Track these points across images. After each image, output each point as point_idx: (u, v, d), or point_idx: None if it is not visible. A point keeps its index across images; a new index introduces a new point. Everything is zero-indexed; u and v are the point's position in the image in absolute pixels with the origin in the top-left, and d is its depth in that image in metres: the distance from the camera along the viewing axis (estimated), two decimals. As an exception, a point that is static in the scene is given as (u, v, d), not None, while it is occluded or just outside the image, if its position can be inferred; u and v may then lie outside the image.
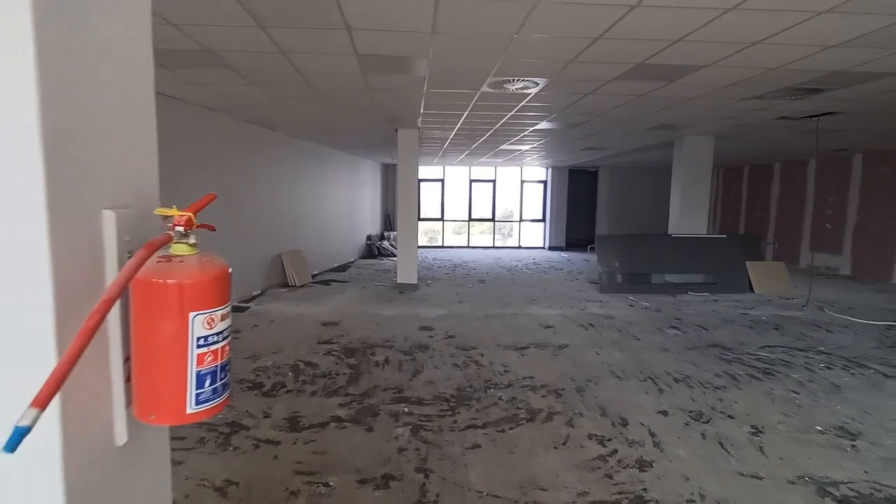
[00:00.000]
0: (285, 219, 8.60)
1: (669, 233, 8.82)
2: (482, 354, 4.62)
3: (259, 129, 7.54)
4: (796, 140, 8.52)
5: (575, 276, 9.97)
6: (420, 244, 16.16)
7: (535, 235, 16.57)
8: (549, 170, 15.84)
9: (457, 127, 7.62)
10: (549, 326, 5.74)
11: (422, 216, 16.19)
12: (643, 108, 5.99)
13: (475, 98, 5.54)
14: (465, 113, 6.45)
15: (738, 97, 5.24)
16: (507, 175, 16.17)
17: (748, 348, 4.92)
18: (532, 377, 4.02)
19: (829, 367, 4.33)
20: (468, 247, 16.32)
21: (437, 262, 12.11)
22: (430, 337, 5.24)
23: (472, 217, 16.36)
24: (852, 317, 6.41)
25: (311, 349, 4.72)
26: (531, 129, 7.70)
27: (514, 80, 4.68)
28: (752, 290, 8.18)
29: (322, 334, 5.26)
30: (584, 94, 5.25)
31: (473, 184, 16.17)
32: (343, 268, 10.95)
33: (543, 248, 16.27)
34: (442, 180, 16.12)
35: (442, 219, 16.37)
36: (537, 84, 4.81)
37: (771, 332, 5.55)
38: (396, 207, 8.20)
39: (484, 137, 8.74)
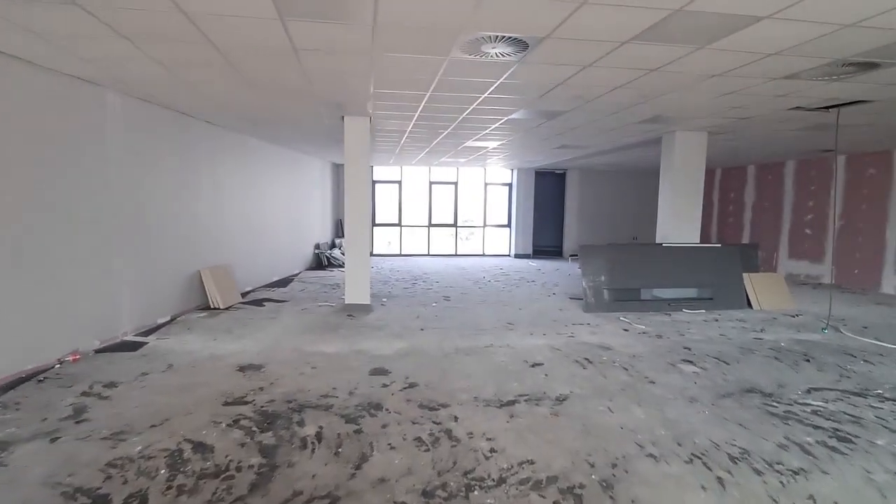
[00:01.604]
0: (207, 227, 7.02)
1: (659, 242, 7.83)
2: (456, 419, 3.31)
3: (165, 111, 5.97)
4: (795, 138, 7.72)
5: (551, 290, 8.84)
6: (376, 252, 14.76)
7: (500, 242, 15.46)
8: (515, 171, 14.79)
9: (416, 114, 6.30)
10: (537, 364, 4.50)
11: (377, 221, 14.80)
12: (644, 92, 4.88)
13: (441, 69, 4.25)
14: (428, 93, 5.16)
15: (768, 76, 4.20)
16: (470, 177, 15.00)
17: (793, 393, 3.85)
18: (532, 462, 2.75)
19: (909, 423, 3.29)
20: (428, 255, 15.02)
21: (394, 274, 10.73)
22: (385, 387, 3.88)
23: (433, 222, 15.08)
24: (877, 339, 5.53)
25: (211, 417, 3.28)
26: (504, 119, 6.49)
27: (494, 40, 3.43)
28: (750, 305, 7.28)
29: (235, 388, 3.81)
30: (583, 67, 4.07)
31: (434, 186, 14.90)
32: (284, 282, 9.40)
33: (509, 255, 15.19)
34: (399, 182, 14.78)
35: (399, 224, 15.01)
36: (525, 48, 3.58)
37: (804, 367, 4.53)
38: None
39: (448, 130, 7.47)
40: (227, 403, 3.50)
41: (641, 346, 5.17)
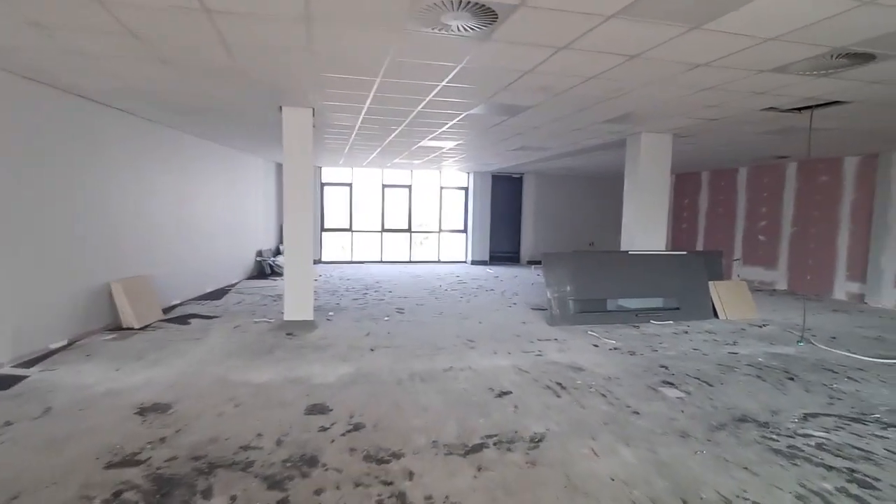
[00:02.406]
0: (123, 232, 6.03)
1: (624, 249, 7.48)
2: (411, 475, 2.65)
3: (65, 96, 4.99)
4: (755, 143, 7.58)
5: (511, 300, 8.33)
6: (325, 259, 13.83)
7: (456, 248, 14.91)
8: (471, 175, 14.31)
9: (366, 106, 5.61)
10: (504, 393, 3.91)
11: (326, 226, 13.91)
12: (618, 86, 4.43)
13: (394, 47, 3.60)
14: (378, 80, 4.48)
15: (756, 68, 3.82)
16: (425, 180, 14.38)
17: (789, 421, 3.44)
18: (509, 539, 2.14)
19: (922, 457, 2.92)
20: (381, 261, 14.26)
21: (343, 283, 9.93)
22: (324, 431, 3.17)
23: (386, 227, 14.34)
24: (850, 352, 5.32)
25: (82, 489, 2.46)
26: (463, 115, 5.91)
27: (458, 6, 2.82)
28: (716, 314, 7.03)
29: (127, 440, 2.99)
30: (556, 50, 3.53)
31: (387, 189, 14.17)
32: (219, 294, 8.42)
33: (466, 262, 14.66)
34: (350, 185, 13.95)
35: (350, 229, 14.17)
36: (493, 20, 2.99)
37: (790, 387, 4.17)
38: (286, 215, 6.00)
39: (402, 126, 6.82)
40: (110, 465, 2.68)
41: (615, 366, 4.69)
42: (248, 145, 9.12)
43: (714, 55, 3.52)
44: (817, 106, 5.07)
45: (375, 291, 9.04)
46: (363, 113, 5.93)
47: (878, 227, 8.42)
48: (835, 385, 4.23)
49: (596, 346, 5.43)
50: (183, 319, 6.34)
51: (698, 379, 4.33)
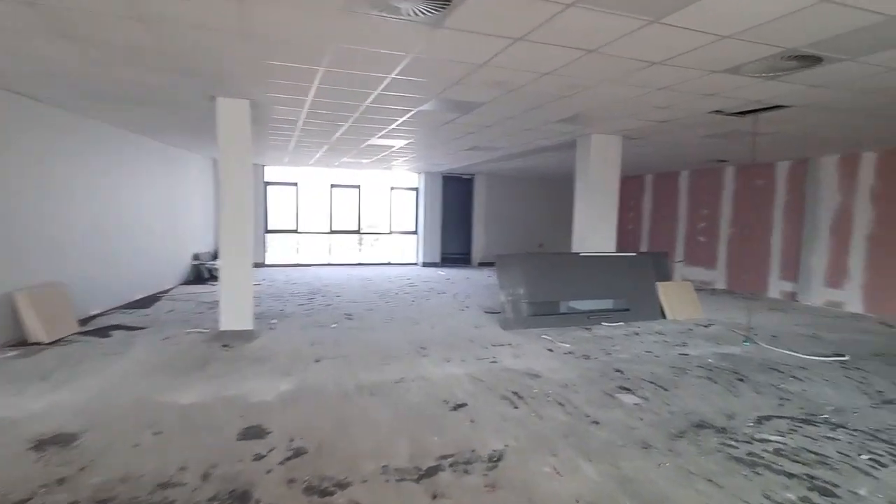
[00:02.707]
0: (29, 235, 5.33)
1: (576, 251, 7.46)
2: (358, 508, 2.36)
3: (-49, 78, 4.31)
4: (698, 146, 7.78)
5: (463, 303, 8.15)
6: (269, 262, 13.13)
7: (407, 250, 14.61)
8: (422, 175, 14.05)
9: (309, 98, 5.23)
10: (459, 406, 3.68)
11: (270, 227, 13.24)
12: (573, 82, 4.31)
13: (338, 31, 3.29)
14: (321, 70, 4.14)
15: (710, 68, 3.80)
16: (375, 180, 13.99)
17: (745, 425, 3.42)
18: (469, 582, 1.90)
19: (877, 462, 2.94)
20: (330, 264, 13.74)
21: (289, 287, 9.41)
22: (259, 460, 2.81)
23: (334, 229, 13.83)
24: (791, 350, 5.49)
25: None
26: (414, 111, 5.65)
27: (409, -12, 2.56)
28: (663, 315, 7.13)
29: (17, 483, 2.51)
30: (513, 41, 3.34)
31: (335, 189, 13.67)
32: (148, 302, 7.72)
33: (417, 264, 14.39)
34: (296, 184, 13.34)
35: (297, 230, 13.55)
36: (446, 3, 2.75)
37: (742, 389, 4.19)
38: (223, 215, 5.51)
39: (349, 123, 6.46)
40: (-11, 518, 2.23)
41: (571, 371, 4.57)
42: (182, 140, 8.44)
43: (671, 52, 3.45)
44: (760, 110, 5.19)
45: (323, 296, 8.60)
46: (307, 107, 5.55)
47: (808, 228, 8.89)
48: (782, 385, 4.29)
49: (550, 350, 5.31)
50: (103, 332, 5.70)
51: (653, 383, 4.28)
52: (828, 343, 5.89)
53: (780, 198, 9.55)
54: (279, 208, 13.36)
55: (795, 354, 5.30)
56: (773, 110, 5.13)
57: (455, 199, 14.59)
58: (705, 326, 6.69)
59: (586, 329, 6.39)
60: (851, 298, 8.14)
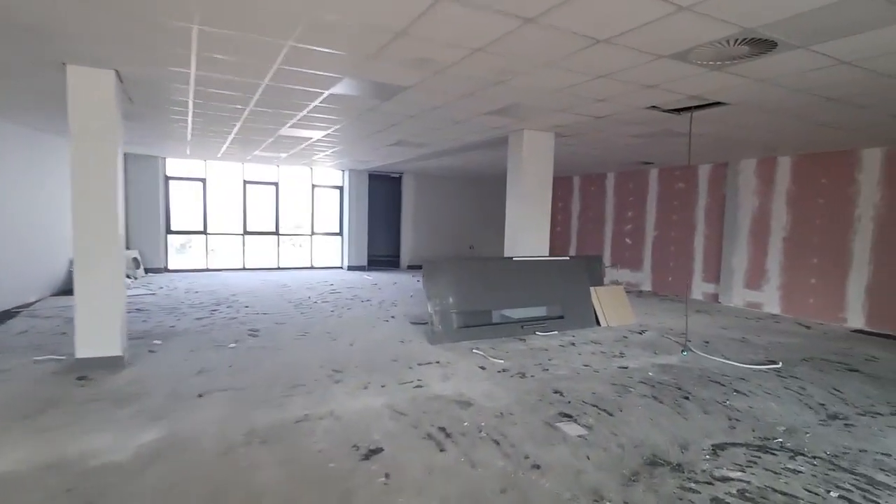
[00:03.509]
0: None
1: (508, 255, 6.99)
2: None
3: None
4: (627, 147, 7.59)
5: (389, 312, 7.43)
6: (171, 268, 11.61)
7: (331, 253, 13.61)
8: (347, 173, 13.14)
9: (192, 72, 4.29)
10: (374, 452, 2.98)
11: (172, 228, 11.77)
12: (506, 64, 3.76)
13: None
14: (195, 28, 3.27)
15: (656, 51, 3.38)
16: (295, 177, 12.88)
17: (700, 458, 3.01)
18: None
19: (847, 500, 2.61)
20: (244, 269, 12.46)
21: (189, 297, 8.21)
22: (75, 565, 1.95)
23: (249, 230, 12.56)
24: (725, 358, 5.31)
25: None
26: (327, 93, 4.87)
27: None
28: (598, 322, 6.84)
29: None
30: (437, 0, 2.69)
31: (249, 186, 12.42)
32: (2, 317, 6.30)
33: (342, 267, 13.46)
34: (203, 180, 11.95)
35: (205, 231, 12.15)
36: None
37: (689, 410, 3.83)
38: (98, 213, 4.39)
39: (251, 106, 5.54)
40: None
41: (506, 395, 4.02)
42: (50, 124, 7.02)
43: (620, 27, 2.96)
44: (697, 107, 4.94)
45: (229, 307, 7.54)
46: (192, 83, 4.59)
47: (728, 230, 9.06)
48: (728, 402, 3.99)
49: (483, 367, 4.75)
50: (-86, 364, 4.40)
51: (596, 406, 3.82)
52: (757, 348, 5.81)
53: (702, 200, 9.70)
54: (185, 207, 11.90)
55: (731, 363, 5.11)
56: (709, 108, 4.90)
57: (382, 198, 13.81)
58: (640, 333, 6.46)
59: (521, 340, 5.91)
60: (769, 300, 8.35)
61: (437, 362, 4.89)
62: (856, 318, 7.19)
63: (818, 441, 3.30)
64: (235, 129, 7.08)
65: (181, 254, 12.11)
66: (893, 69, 3.56)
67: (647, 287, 10.91)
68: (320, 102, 5.21)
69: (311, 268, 13.24)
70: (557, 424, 3.45)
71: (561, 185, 13.23)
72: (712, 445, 3.19)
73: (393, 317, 7.11)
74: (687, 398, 4.05)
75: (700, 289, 9.72)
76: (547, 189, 6.97)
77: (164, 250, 11.58)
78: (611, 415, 3.66)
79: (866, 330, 7.00)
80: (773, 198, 8.33)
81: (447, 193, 14.35)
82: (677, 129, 5.92)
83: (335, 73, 4.14)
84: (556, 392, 4.12)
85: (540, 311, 6.66)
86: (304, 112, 5.74)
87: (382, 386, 4.15)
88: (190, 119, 6.39)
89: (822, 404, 3.99)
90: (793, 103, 4.58)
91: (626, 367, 4.88)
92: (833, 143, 6.75)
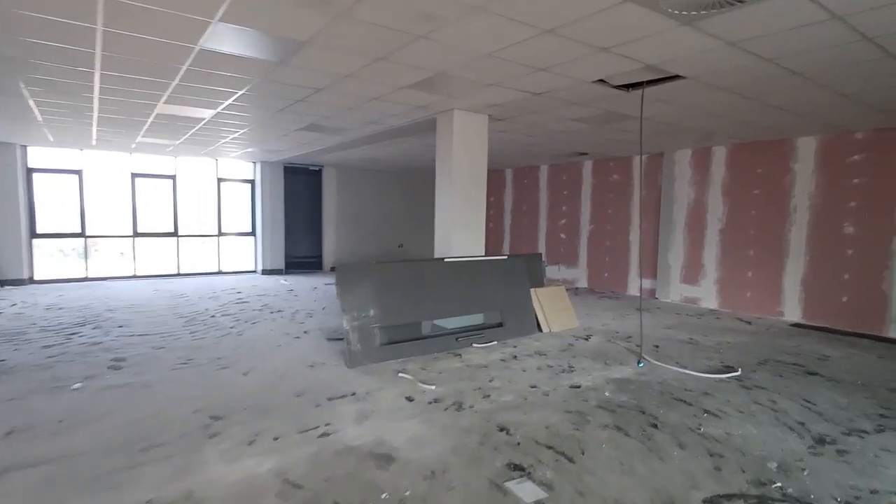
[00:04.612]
0: None
1: (439, 253, 6.10)
2: None
3: None
4: (563, 134, 6.97)
5: (302, 325, 6.32)
6: (38, 278, 9.56)
7: (244, 255, 12.09)
8: (258, 166, 11.70)
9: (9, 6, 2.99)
10: (239, 569, 1.97)
11: (38, 231, 9.80)
12: (430, 8, 2.85)
13: None
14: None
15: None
16: (196, 170, 11.24)
17: (694, 525, 2.28)
18: None
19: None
20: (135, 276, 10.68)
21: (48, 315, 6.60)
22: None
23: (140, 231, 10.79)
24: (682, 366, 4.76)
25: None
26: (198, 47, 3.71)
27: None
28: (539, 328, 6.14)
29: None
30: None
31: (139, 179, 10.64)
32: None
33: (256, 271, 12.00)
34: (79, 172, 10.04)
35: (83, 234, 10.25)
36: None
37: (662, 444, 3.14)
38: None
39: (99, 62, 4.23)
40: None
41: (440, 437, 3.13)
42: None
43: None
44: (650, 82, 4.31)
45: (96, 328, 6.06)
46: (11, 31, 3.26)
47: (664, 223, 8.76)
48: (701, 427, 3.36)
49: (411, 399, 3.83)
50: None
51: (553, 449, 3.02)
52: (708, 350, 5.36)
53: (637, 192, 9.38)
54: (56, 204, 9.94)
55: (689, 372, 4.56)
56: (663, 83, 4.28)
57: (301, 194, 12.47)
58: (585, 339, 5.83)
59: (456, 355, 5.06)
60: (707, 294, 8.11)
61: (354, 394, 3.91)
62: (793, 311, 7.04)
63: (819, 480, 2.70)
64: (96, 106, 5.63)
65: (62, 261, 10.11)
66: (884, 29, 3.05)
67: (583, 284, 10.50)
68: (193, 65, 4.03)
69: (219, 273, 11.67)
70: (507, 485, 2.61)
71: (494, 179, 12.58)
72: (703, 502, 2.48)
73: (306, 332, 6.01)
74: (655, 426, 3.37)
75: (636, 284, 9.39)
76: (481, 180, 6.16)
77: (29, 257, 9.59)
78: (572, 461, 2.87)
79: (804, 324, 6.84)
80: (708, 189, 8.09)
81: (373, 188, 13.27)
82: (623, 110, 5.32)
83: (198, 14, 3.02)
84: (501, 429, 3.28)
85: (476, 319, 5.85)
86: (177, 80, 4.50)
87: (275, 438, 3.11)
88: (25, 90, 4.91)
89: (802, 423, 3.47)
90: (753, 75, 4.03)
91: (578, 387, 4.16)
92: (771, 130, 6.49)
